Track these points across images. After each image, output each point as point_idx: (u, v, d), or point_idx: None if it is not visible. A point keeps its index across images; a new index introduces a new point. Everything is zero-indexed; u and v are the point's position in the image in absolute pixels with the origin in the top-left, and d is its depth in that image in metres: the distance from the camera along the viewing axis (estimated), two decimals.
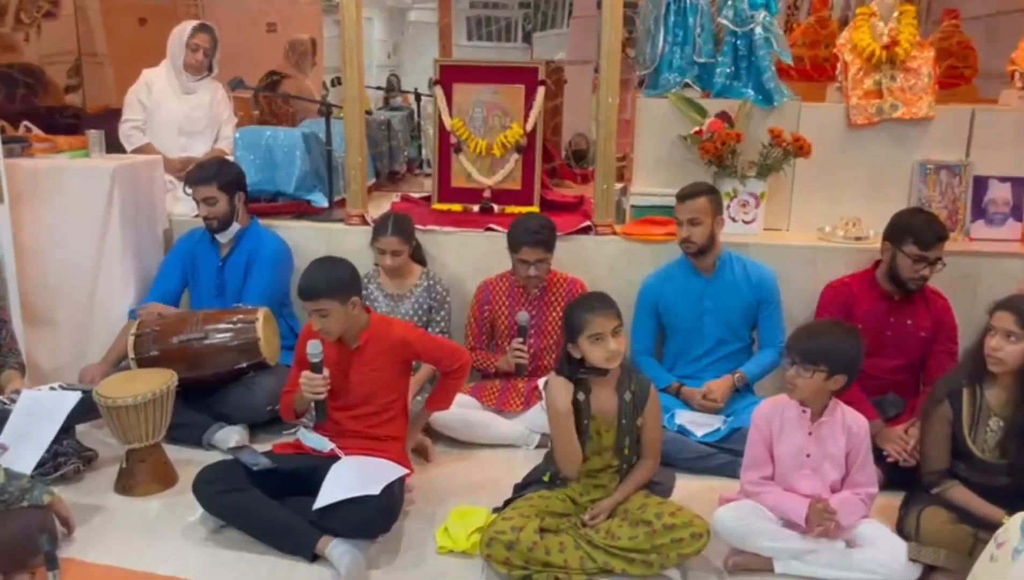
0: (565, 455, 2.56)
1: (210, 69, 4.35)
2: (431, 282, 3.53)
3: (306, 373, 2.67)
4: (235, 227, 3.52)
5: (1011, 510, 2.07)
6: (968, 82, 4.46)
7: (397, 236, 3.41)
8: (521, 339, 3.28)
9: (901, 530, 2.55)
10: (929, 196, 3.68)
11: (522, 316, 3.26)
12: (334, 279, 2.63)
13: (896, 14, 3.73)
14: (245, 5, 6.46)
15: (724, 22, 3.75)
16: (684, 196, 3.26)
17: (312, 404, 2.75)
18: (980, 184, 3.67)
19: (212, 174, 3.43)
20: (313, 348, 2.63)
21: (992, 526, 2.16)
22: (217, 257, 3.55)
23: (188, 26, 4.25)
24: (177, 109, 4.28)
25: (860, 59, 3.71)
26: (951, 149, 3.70)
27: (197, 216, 3.54)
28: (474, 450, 3.31)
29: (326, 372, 2.68)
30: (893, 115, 3.67)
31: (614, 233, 3.74)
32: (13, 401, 2.85)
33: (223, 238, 3.53)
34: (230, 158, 4.01)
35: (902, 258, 3.07)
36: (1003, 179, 3.66)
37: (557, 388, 2.52)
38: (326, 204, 3.99)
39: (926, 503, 2.52)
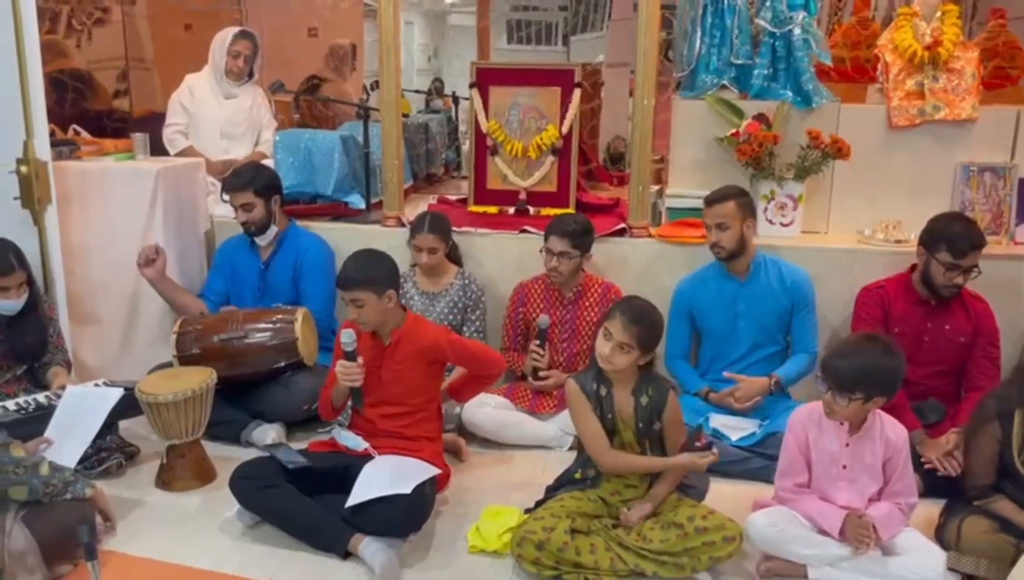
0: (590, 439, 2.57)
1: (251, 75, 4.44)
2: (466, 282, 3.55)
3: (341, 361, 2.71)
4: (273, 230, 3.58)
5: None
6: (1015, 83, 4.35)
7: (434, 233, 3.44)
8: (539, 342, 3.29)
9: (940, 538, 2.50)
10: (972, 198, 3.60)
11: (543, 320, 3.28)
12: (372, 269, 2.68)
13: (939, 14, 3.67)
14: (287, 10, 6.55)
15: (762, 23, 3.71)
16: (711, 200, 3.24)
17: (350, 394, 2.79)
18: None
19: (247, 180, 3.49)
20: (347, 337, 2.68)
21: None
22: (258, 261, 3.61)
23: (230, 33, 4.34)
24: (219, 113, 4.37)
25: (902, 60, 3.66)
26: (996, 151, 3.62)
27: (236, 219, 3.61)
28: (507, 451, 3.32)
29: (360, 360, 2.71)
30: (935, 116, 3.60)
31: (649, 235, 3.73)
32: (59, 397, 2.94)
33: (262, 241, 3.59)
34: (268, 162, 4.08)
35: (935, 265, 3.00)
36: None
37: (571, 383, 2.61)
38: (363, 206, 4.04)
39: (968, 512, 2.46)
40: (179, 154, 4.28)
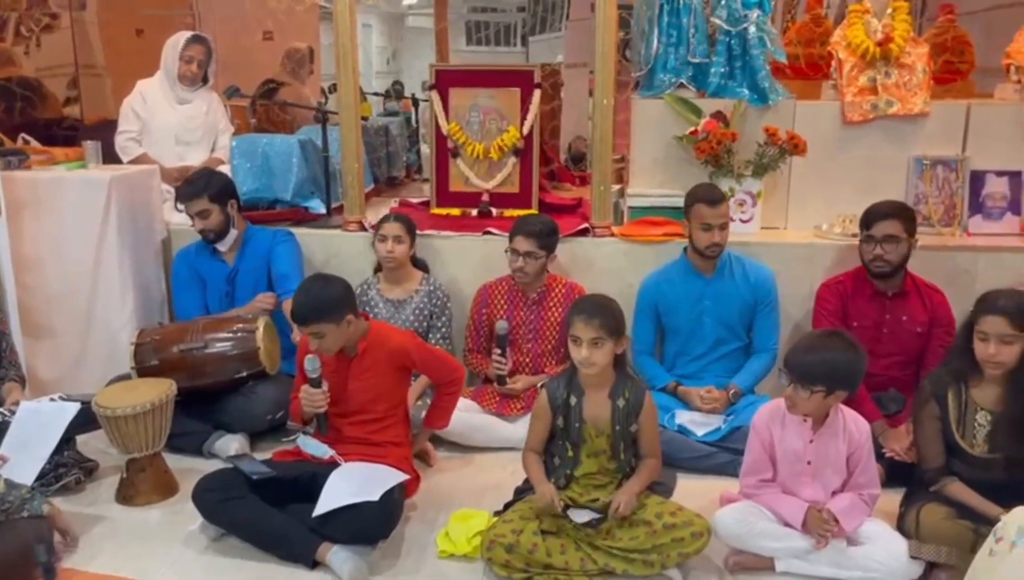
0: (529, 439, 2.65)
1: (205, 80, 4.36)
2: (432, 288, 3.53)
3: (305, 388, 2.69)
4: (234, 233, 3.54)
5: (1008, 504, 2.07)
6: (965, 77, 4.45)
7: (399, 222, 3.45)
8: (500, 350, 3.29)
9: (901, 527, 2.54)
10: (926, 191, 3.67)
11: (501, 326, 3.28)
12: (326, 301, 2.62)
13: (890, 11, 3.73)
14: (241, 14, 6.47)
15: (718, 22, 3.74)
16: (715, 200, 3.21)
17: (314, 417, 2.76)
18: (977, 179, 3.66)
19: (200, 187, 3.44)
20: (310, 364, 2.65)
21: (991, 521, 2.15)
22: (225, 265, 3.57)
23: (182, 37, 4.26)
24: (172, 119, 4.29)
25: (854, 56, 3.71)
26: (947, 144, 3.70)
27: (193, 227, 3.55)
28: (475, 454, 3.31)
29: (325, 386, 2.69)
30: (888, 112, 3.66)
31: (612, 234, 3.74)
32: (13, 413, 2.86)
33: (224, 246, 3.54)
34: (225, 168, 4.02)
35: (862, 246, 3.12)
36: (1000, 173, 3.66)
37: (542, 393, 2.63)
38: (324, 211, 3.99)
39: (925, 500, 2.51)
40: (132, 162, 4.20)
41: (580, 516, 2.48)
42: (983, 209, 3.68)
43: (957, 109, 3.71)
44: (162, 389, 2.92)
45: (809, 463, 2.51)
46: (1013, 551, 1.46)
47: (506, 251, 3.39)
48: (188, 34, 4.31)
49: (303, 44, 6.13)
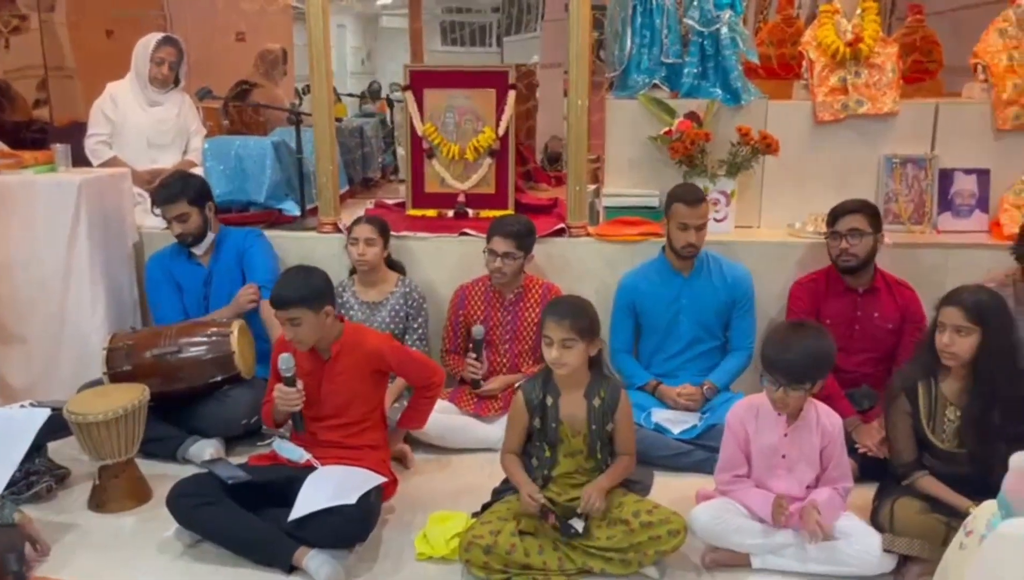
0: (506, 440, 2.66)
1: (176, 81, 4.32)
2: (407, 289, 3.52)
3: (279, 386, 2.67)
4: (210, 236, 3.52)
5: (978, 498, 2.10)
6: (933, 77, 4.51)
7: (370, 224, 3.44)
8: (475, 355, 3.29)
9: (875, 521, 2.58)
10: (896, 190, 3.72)
11: (477, 330, 3.28)
12: (307, 287, 2.62)
13: (859, 11, 3.78)
14: (213, 15, 6.42)
15: (690, 23, 3.77)
16: (694, 200, 3.22)
17: (290, 417, 2.74)
18: (946, 177, 3.72)
19: (178, 191, 3.40)
20: (284, 363, 2.63)
21: (962, 515, 2.18)
22: (201, 269, 3.53)
23: (152, 39, 4.21)
24: (144, 122, 4.24)
25: (825, 56, 3.75)
26: (917, 143, 3.75)
27: (167, 229, 3.51)
28: (453, 455, 3.30)
29: (300, 385, 2.67)
30: (858, 111, 3.71)
31: (588, 234, 3.75)
32: None
33: (200, 250, 3.51)
34: (198, 170, 3.98)
35: (829, 242, 3.19)
36: (968, 171, 3.71)
37: (518, 394, 2.63)
38: (298, 213, 3.97)
39: (898, 494, 2.54)
40: (103, 165, 4.14)
41: (567, 525, 2.47)
42: (952, 207, 3.73)
43: (926, 108, 3.77)
44: (135, 394, 2.88)
45: (784, 457, 2.54)
46: (982, 544, 1.48)
47: (484, 251, 3.39)
48: (159, 36, 4.26)
49: (276, 45, 6.09)
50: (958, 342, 2.44)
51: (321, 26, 3.64)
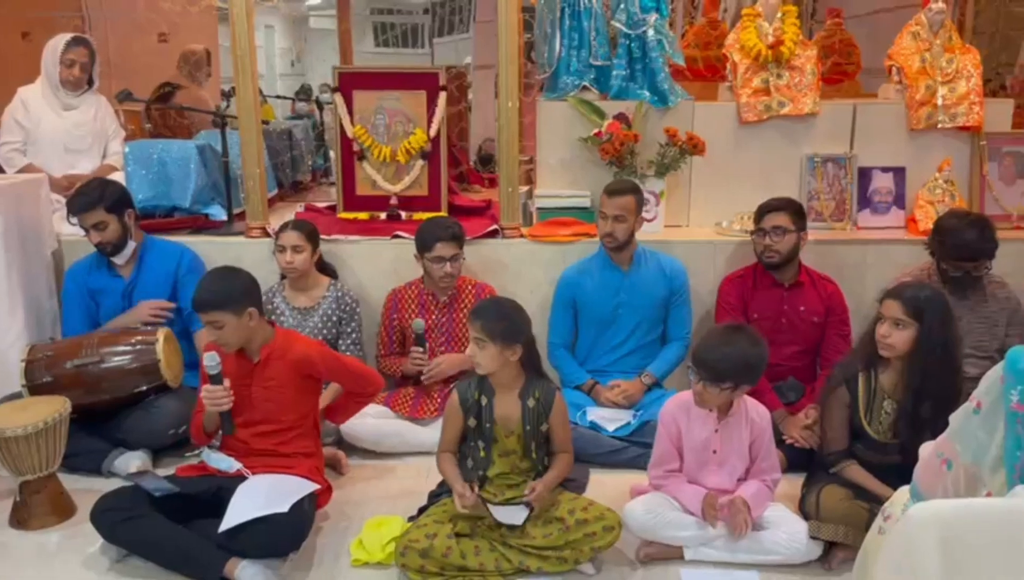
0: (442, 440, 2.68)
1: (90, 83, 4.18)
2: (339, 294, 3.48)
3: (206, 386, 2.61)
4: (131, 245, 3.40)
5: (901, 486, 2.17)
6: (852, 78, 4.68)
7: (297, 230, 3.39)
8: (421, 348, 3.29)
9: (803, 509, 2.65)
10: (818, 188, 3.83)
11: (417, 324, 3.28)
12: (227, 290, 2.57)
13: (780, 15, 3.89)
14: (133, 15, 6.24)
15: (617, 25, 3.82)
16: (614, 191, 3.29)
17: (220, 419, 2.68)
18: (864, 175, 3.86)
19: (96, 198, 3.27)
20: (210, 360, 2.58)
21: (883, 502, 2.26)
22: (120, 280, 3.41)
23: (61, 40, 4.05)
24: (58, 127, 4.09)
25: (748, 59, 3.85)
26: (836, 143, 3.87)
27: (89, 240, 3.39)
28: (389, 460, 3.28)
29: (227, 383, 2.62)
30: (781, 112, 3.81)
31: (521, 236, 3.77)
32: None
33: (120, 260, 3.40)
34: (118, 175, 3.86)
35: (754, 239, 3.29)
36: (885, 169, 3.85)
37: (453, 394, 2.64)
38: (225, 217, 3.89)
39: (825, 482, 2.62)
40: (18, 173, 3.98)
41: (506, 516, 2.47)
42: (871, 204, 3.87)
43: (845, 109, 3.89)
44: (55, 407, 2.79)
45: (715, 452, 2.59)
46: (897, 526, 1.54)
47: (423, 261, 3.36)
48: (68, 36, 4.09)
49: (200, 46, 5.93)
50: (895, 334, 2.52)
51: (245, 26, 3.57)
